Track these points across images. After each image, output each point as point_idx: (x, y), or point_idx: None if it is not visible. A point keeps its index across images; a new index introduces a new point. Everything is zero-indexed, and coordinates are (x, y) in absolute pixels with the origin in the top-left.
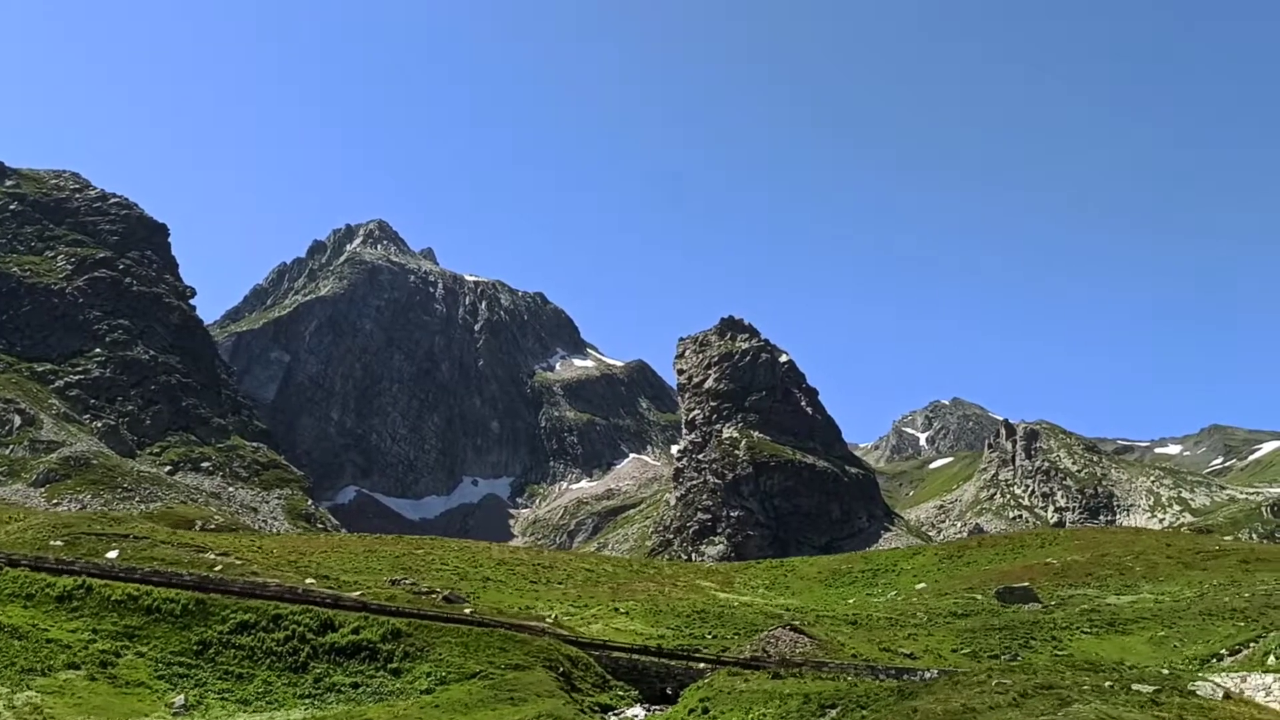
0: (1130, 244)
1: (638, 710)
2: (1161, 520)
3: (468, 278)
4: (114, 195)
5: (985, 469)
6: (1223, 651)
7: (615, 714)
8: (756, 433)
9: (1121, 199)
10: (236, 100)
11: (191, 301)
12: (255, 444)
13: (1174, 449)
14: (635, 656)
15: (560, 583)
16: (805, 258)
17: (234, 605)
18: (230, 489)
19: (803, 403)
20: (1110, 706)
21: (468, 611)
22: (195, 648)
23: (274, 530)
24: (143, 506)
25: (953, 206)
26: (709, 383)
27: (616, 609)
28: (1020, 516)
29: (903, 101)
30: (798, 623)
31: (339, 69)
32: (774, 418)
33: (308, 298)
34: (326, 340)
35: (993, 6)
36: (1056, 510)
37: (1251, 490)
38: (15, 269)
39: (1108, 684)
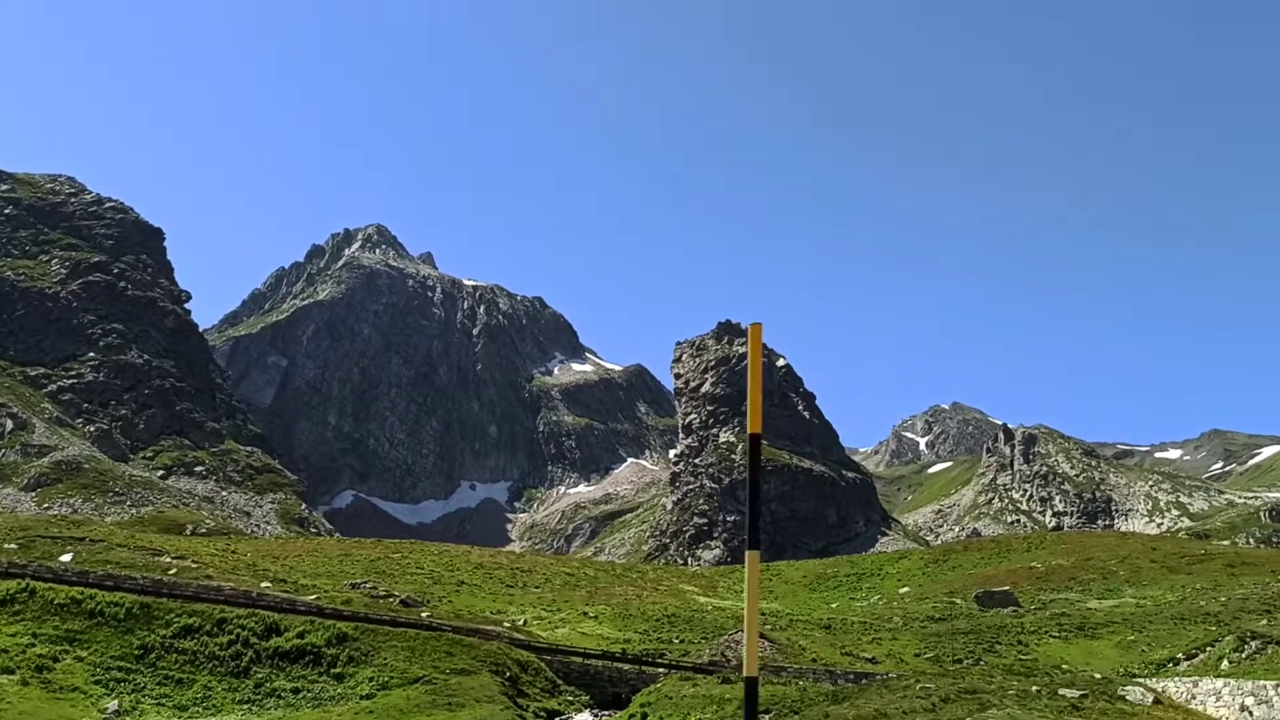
0: (1131, 246)
1: (585, 715)
2: (1159, 525)
3: (466, 282)
4: (109, 199)
5: (984, 473)
6: (1179, 655)
7: (561, 719)
8: None
9: (1122, 200)
10: (234, 102)
11: (186, 306)
12: (249, 448)
13: (1174, 453)
14: (589, 661)
15: (537, 587)
16: (805, 259)
17: (179, 609)
18: (223, 493)
19: (800, 407)
20: (1026, 712)
21: (424, 615)
22: (136, 652)
23: (266, 534)
24: (134, 511)
25: (953, 206)
26: (706, 387)
27: (586, 613)
28: (1018, 521)
29: (903, 101)
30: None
31: (338, 70)
32: (771, 422)
33: (305, 302)
34: (324, 345)
35: (993, 6)
36: (1055, 515)
37: (1251, 495)
38: (9, 273)
39: (1034, 689)
